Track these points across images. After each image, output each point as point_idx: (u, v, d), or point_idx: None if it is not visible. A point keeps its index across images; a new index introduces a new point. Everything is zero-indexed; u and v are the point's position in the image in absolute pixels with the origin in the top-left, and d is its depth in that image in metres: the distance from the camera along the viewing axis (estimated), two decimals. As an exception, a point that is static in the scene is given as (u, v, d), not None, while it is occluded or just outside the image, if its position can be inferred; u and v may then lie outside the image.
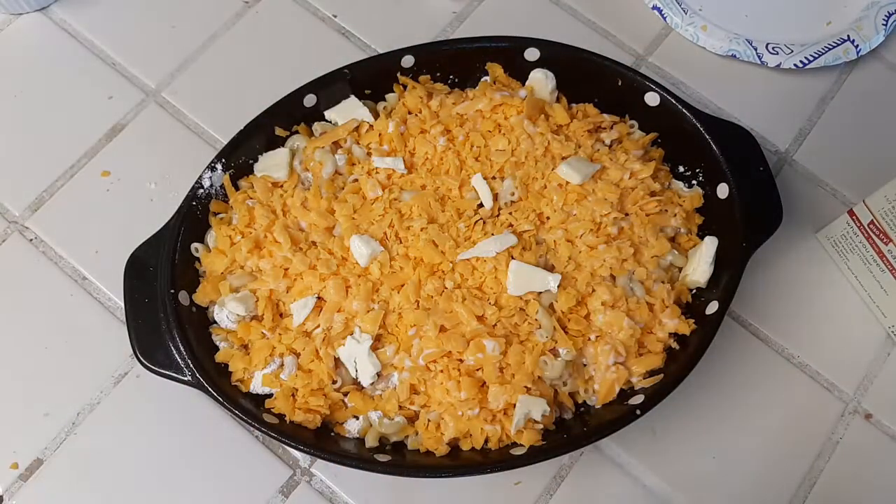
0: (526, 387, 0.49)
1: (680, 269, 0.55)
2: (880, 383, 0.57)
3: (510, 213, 0.55)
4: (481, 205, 0.55)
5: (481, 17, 0.68)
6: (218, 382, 0.50)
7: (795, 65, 0.64)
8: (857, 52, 0.65)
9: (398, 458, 0.50)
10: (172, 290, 0.52)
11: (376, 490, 0.53)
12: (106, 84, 0.64)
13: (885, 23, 0.65)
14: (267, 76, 0.64)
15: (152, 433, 0.54)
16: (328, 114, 0.58)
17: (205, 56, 0.66)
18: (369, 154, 0.57)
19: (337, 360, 0.51)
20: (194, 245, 0.54)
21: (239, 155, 0.56)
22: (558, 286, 0.52)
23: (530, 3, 0.68)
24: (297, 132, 0.58)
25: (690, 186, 0.58)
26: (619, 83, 0.58)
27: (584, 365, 0.52)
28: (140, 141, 0.62)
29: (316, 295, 0.52)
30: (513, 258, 0.52)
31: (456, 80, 0.61)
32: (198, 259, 0.55)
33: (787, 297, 0.59)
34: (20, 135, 0.62)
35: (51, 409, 0.55)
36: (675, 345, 0.53)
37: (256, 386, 0.52)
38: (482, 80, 0.60)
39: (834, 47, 0.64)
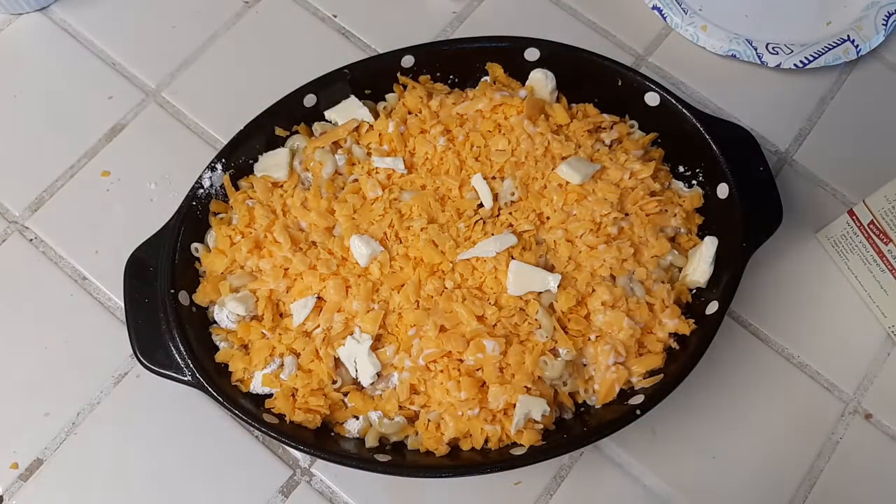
0: (526, 387, 0.49)
1: (680, 269, 0.55)
2: (880, 383, 0.57)
3: (510, 213, 0.55)
4: (481, 205, 0.55)
5: (481, 17, 0.68)
6: (218, 382, 0.50)
7: (795, 65, 0.64)
8: (857, 52, 0.65)
9: (398, 458, 0.50)
10: (172, 290, 0.52)
11: (376, 490, 0.53)
12: (106, 84, 0.64)
13: (885, 23, 0.65)
14: (267, 76, 0.64)
15: (152, 433, 0.54)
16: (328, 114, 0.58)
17: (205, 56, 0.66)
18: (369, 154, 0.57)
19: (337, 360, 0.52)
20: (194, 245, 0.54)
21: (239, 155, 0.56)
22: (558, 286, 0.52)
23: (530, 3, 0.68)
24: (297, 132, 0.58)
25: (690, 186, 0.58)
26: (619, 83, 0.58)
27: (584, 365, 0.52)
28: (140, 141, 0.62)
29: (316, 295, 0.52)
30: (513, 258, 0.52)
31: (456, 80, 0.61)
32: (198, 259, 0.55)
33: (786, 297, 0.59)
34: (20, 135, 0.62)
35: (51, 409, 0.55)
36: (675, 345, 0.53)
37: (256, 386, 0.52)
38: (482, 80, 0.60)
39: (834, 47, 0.64)
